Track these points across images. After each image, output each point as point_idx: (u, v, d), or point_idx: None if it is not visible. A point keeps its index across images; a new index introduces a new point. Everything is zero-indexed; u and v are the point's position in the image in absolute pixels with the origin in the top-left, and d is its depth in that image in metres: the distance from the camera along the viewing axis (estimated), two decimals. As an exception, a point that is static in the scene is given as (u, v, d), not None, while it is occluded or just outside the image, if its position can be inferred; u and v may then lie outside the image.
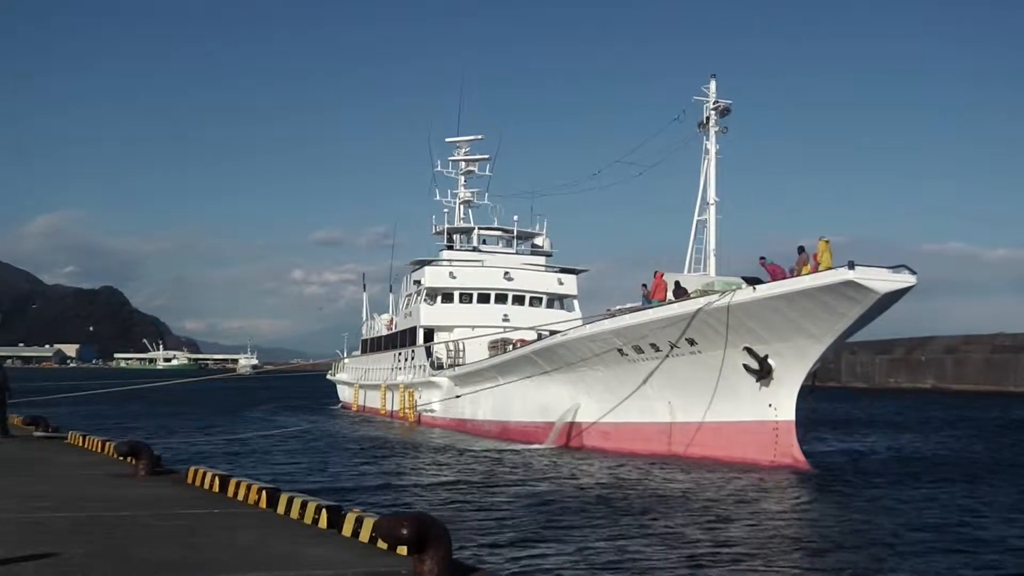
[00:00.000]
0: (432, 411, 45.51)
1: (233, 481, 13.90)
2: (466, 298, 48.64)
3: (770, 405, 27.50)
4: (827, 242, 26.48)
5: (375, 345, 61.59)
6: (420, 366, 48.16)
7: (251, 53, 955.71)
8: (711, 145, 33.07)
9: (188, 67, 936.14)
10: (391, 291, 65.26)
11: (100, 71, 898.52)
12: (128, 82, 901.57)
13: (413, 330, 50.10)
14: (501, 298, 48.33)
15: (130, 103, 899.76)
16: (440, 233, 53.34)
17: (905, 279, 24.75)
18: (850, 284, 24.26)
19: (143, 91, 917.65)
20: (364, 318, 72.64)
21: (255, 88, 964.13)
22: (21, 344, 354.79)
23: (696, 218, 33.15)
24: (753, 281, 27.09)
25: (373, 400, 56.35)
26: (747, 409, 27.86)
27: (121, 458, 17.65)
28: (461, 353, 44.86)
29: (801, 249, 27.18)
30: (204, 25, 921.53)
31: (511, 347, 40.09)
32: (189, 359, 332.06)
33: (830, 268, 25.30)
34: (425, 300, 49.12)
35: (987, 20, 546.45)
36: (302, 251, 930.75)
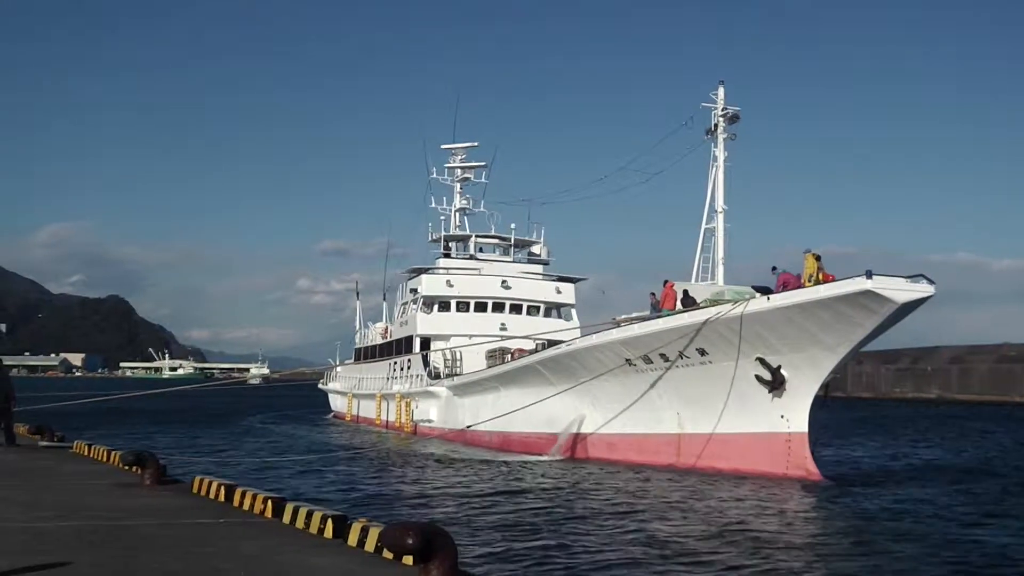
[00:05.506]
0: (430, 421, 44.95)
1: (239, 490, 13.80)
2: (463, 306, 48.37)
3: (782, 416, 27.20)
4: (815, 256, 26.27)
5: (370, 354, 61.06)
6: (417, 375, 47.59)
7: (260, 63, 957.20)
8: (719, 152, 32.76)
9: (196, 77, 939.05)
10: (384, 299, 65.15)
11: (108, 80, 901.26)
12: (136, 92, 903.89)
13: (409, 339, 49.75)
14: (498, 307, 48.06)
15: (139, 114, 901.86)
16: (437, 241, 52.90)
17: (923, 289, 24.45)
18: (868, 294, 23.94)
19: (151, 101, 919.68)
20: (358, 326, 72.32)
21: (263, 97, 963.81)
22: (27, 353, 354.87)
23: (704, 226, 32.83)
24: (764, 291, 26.90)
25: (367, 410, 55.58)
26: (759, 420, 27.52)
27: (127, 467, 17.55)
28: (458, 362, 44.60)
29: (774, 269, 27.49)
30: (214, 35, 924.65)
31: (509, 356, 39.88)
32: (195, 368, 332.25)
33: (820, 282, 25.21)
34: (422, 308, 48.82)
35: (994, 27, 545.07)
36: (309, 261, 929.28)
